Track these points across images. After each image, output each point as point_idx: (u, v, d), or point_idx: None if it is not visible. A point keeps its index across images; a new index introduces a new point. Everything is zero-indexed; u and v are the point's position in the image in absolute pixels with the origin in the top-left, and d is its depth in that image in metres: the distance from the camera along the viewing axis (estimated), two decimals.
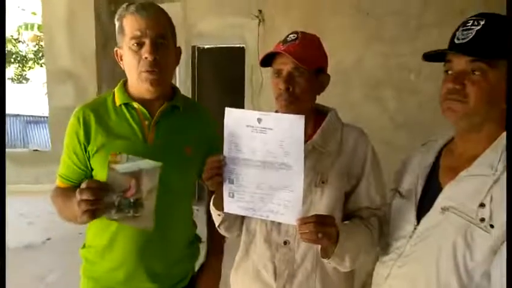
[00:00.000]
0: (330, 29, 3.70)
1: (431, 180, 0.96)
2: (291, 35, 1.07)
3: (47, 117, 7.89)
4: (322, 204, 1.06)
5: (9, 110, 11.18)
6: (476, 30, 0.83)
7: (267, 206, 0.97)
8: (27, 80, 15.48)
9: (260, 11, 4.08)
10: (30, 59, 14.44)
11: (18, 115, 10.99)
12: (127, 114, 1.17)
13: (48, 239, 3.74)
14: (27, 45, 13.73)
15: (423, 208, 0.94)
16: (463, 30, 0.85)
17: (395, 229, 1.00)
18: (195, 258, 1.34)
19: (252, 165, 0.95)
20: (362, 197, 1.10)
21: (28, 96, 12.72)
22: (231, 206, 1.01)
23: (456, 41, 0.86)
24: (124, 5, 1.14)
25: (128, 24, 1.11)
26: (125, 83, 1.21)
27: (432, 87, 3.14)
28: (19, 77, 15.17)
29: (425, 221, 0.92)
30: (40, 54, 12.43)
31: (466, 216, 0.83)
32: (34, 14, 10.01)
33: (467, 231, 0.82)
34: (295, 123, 0.90)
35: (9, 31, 11.38)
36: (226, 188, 1.00)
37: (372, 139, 1.15)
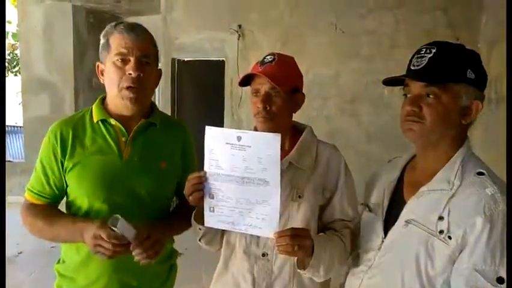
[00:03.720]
0: (308, 46, 3.83)
1: (396, 195, 1.04)
2: (268, 57, 1.14)
3: (20, 127, 7.69)
4: (298, 217, 1.11)
5: None
6: (429, 58, 0.91)
7: (245, 220, 1.01)
8: None
9: (240, 26, 4.17)
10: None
11: None
12: (104, 131, 1.19)
13: (20, 253, 3.64)
14: None
15: (389, 221, 1.01)
16: (417, 57, 0.94)
17: (365, 242, 1.06)
18: (172, 272, 1.35)
19: (231, 181, 1.00)
20: (335, 210, 1.16)
21: None
22: (211, 220, 1.05)
23: (412, 68, 0.94)
24: (112, 24, 1.18)
25: (115, 42, 1.14)
26: (103, 100, 1.24)
27: None
28: None
29: (391, 233, 0.98)
30: (14, 63, 12.13)
31: (427, 228, 0.90)
32: (10, 22, 9.81)
33: (428, 242, 0.89)
34: (272, 141, 0.95)
35: None
36: (206, 203, 1.04)
37: (348, 151, 1.21)
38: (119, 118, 1.20)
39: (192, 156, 1.34)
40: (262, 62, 1.13)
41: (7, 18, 10.24)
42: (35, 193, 1.20)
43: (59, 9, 5.19)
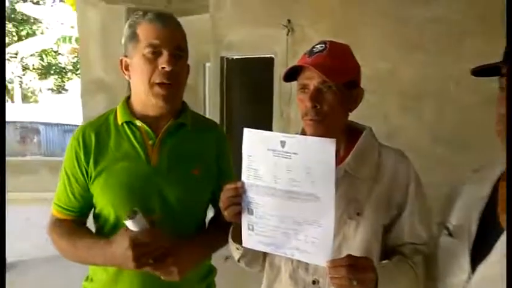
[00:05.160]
0: (363, 38, 3.55)
1: (488, 218, 0.80)
2: (318, 45, 0.95)
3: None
4: (356, 239, 0.92)
5: (49, 119, 11.72)
6: None
7: (291, 243, 0.84)
8: (66, 90, 16.20)
9: (289, 21, 3.99)
10: (69, 71, 15.11)
11: (57, 124, 11.46)
12: (130, 134, 1.07)
13: None
14: (67, 57, 14.39)
15: (479, 252, 0.77)
16: None
17: (445, 275, 0.83)
18: None
19: (274, 195, 0.83)
20: (404, 231, 0.94)
21: (66, 106, 13.26)
22: (251, 240, 0.89)
23: None
24: (139, 13, 1.06)
25: (145, 32, 1.02)
26: (128, 100, 1.12)
27: (475, 97, 2.93)
28: (58, 87, 15.89)
29: (482, 269, 0.75)
30: (78, 66, 12.96)
31: None
32: (72, 27, 10.44)
33: None
34: (324, 148, 0.77)
35: (49, 44, 11.96)
36: (244, 220, 0.88)
37: (409, 154, 1.02)
38: (146, 119, 1.07)
39: (228, 161, 1.18)
40: (311, 52, 0.94)
41: (70, 23, 10.92)
42: (61, 207, 1.10)
43: (113, 12, 5.36)
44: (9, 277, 3.54)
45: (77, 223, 1.11)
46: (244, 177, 0.86)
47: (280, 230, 0.84)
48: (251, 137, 0.84)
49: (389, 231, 0.95)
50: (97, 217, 1.11)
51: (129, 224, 0.93)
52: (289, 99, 3.99)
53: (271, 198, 0.83)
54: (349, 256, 0.79)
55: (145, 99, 1.05)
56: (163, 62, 0.99)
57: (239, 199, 0.86)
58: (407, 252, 0.93)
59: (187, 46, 1.09)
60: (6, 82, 15.00)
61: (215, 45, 4.50)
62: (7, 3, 13.47)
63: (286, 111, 4.08)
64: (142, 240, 0.93)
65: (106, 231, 1.08)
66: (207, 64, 4.90)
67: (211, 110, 4.72)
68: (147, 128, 1.06)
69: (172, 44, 1.01)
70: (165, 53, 1.00)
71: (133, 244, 0.92)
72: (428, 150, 3.31)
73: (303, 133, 0.98)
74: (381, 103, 3.49)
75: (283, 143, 0.80)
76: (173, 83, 1.02)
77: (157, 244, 0.95)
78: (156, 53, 1.00)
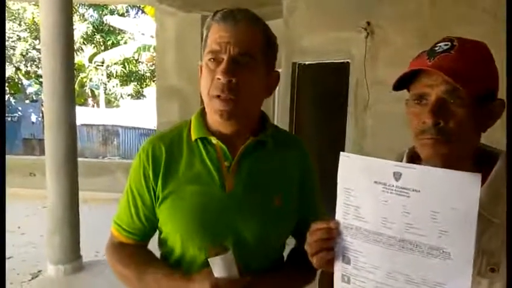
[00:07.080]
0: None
1: None
2: (442, 43, 0.73)
3: (155, 130, 8.55)
4: None
5: (127, 122, 12.51)
6: None
7: None
8: (144, 96, 17.29)
9: (368, 23, 3.69)
10: (147, 78, 16.10)
11: (134, 127, 12.20)
12: (203, 152, 0.91)
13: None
14: (146, 64, 15.36)
15: None
16: None
17: None
18: None
19: (381, 242, 0.63)
20: None
21: (144, 111, 14.09)
22: None
23: None
24: (214, 12, 0.91)
25: (211, 36, 0.87)
26: (203, 112, 0.96)
27: None
28: (137, 93, 17.01)
29: None
30: (155, 73, 13.77)
31: None
32: (152, 37, 11.09)
33: None
34: (464, 186, 0.55)
35: (131, 53, 12.84)
36: (338, 269, 0.68)
37: None
38: (221, 136, 0.91)
39: (315, 186, 1.00)
40: (432, 52, 0.72)
41: (150, 33, 11.61)
42: (123, 228, 0.98)
43: (189, 21, 5.51)
44: (84, 276, 3.69)
45: (140, 247, 0.99)
46: (339, 216, 0.67)
47: None
48: (350, 165, 0.65)
49: None
50: (161, 243, 0.99)
51: (215, 262, 0.79)
52: (366, 106, 3.69)
53: (377, 246, 0.63)
54: None
55: (209, 113, 0.90)
56: (218, 72, 0.83)
57: (332, 243, 0.67)
58: None
59: (271, 50, 0.91)
60: (93, 88, 16.43)
61: (287, 50, 4.34)
62: (96, 15, 14.79)
63: (362, 119, 3.78)
64: None
65: (172, 262, 0.95)
66: (279, 70, 4.78)
67: (279, 119, 4.56)
68: (223, 146, 0.90)
69: (236, 48, 0.83)
70: (224, 60, 0.83)
71: None
72: None
73: (413, 156, 0.76)
74: None
75: (397, 175, 0.60)
76: (236, 97, 0.84)
77: None
78: (217, 60, 0.84)
